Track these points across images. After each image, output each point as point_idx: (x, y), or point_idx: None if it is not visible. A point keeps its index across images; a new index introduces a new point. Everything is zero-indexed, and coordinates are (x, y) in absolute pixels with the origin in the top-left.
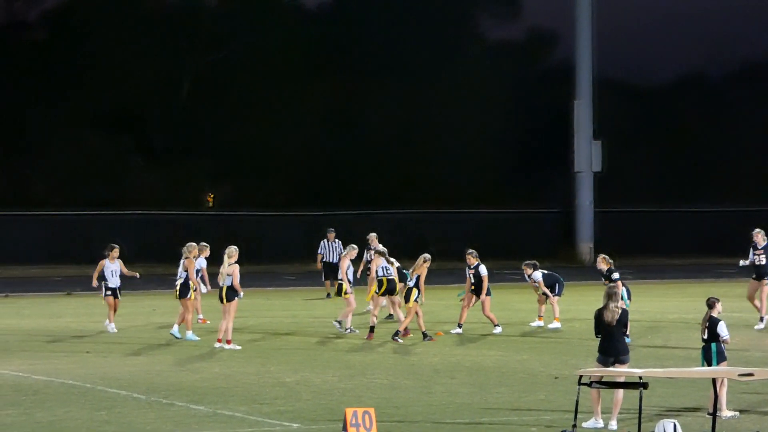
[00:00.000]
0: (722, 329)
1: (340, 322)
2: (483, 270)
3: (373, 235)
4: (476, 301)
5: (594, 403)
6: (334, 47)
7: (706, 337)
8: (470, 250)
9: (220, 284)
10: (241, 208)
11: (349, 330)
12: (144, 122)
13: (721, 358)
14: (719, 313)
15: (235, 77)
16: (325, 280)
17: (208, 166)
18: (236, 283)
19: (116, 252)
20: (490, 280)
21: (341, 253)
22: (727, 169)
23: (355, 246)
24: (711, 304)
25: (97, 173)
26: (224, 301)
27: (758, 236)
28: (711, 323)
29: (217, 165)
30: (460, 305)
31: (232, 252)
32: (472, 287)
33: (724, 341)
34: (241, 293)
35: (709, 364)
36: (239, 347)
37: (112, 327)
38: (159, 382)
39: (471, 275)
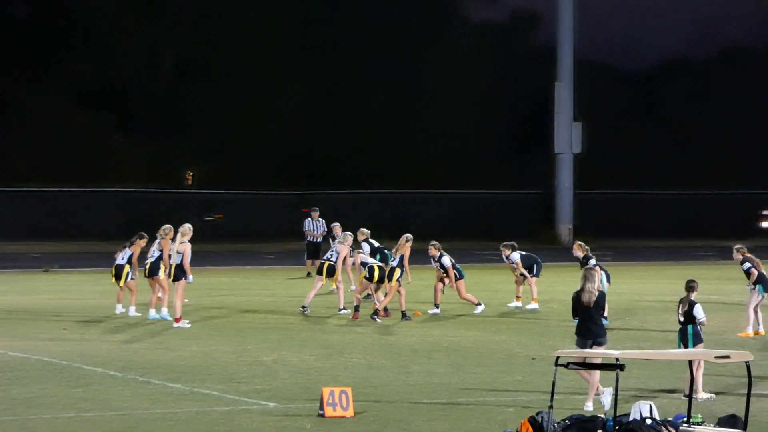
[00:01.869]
0: (698, 312)
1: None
2: (446, 261)
3: (336, 225)
4: (449, 284)
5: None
6: (319, 27)
7: (682, 319)
8: (433, 242)
9: (170, 262)
10: (222, 187)
11: (305, 309)
12: (126, 99)
13: (698, 340)
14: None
15: (219, 55)
16: (307, 259)
17: (190, 143)
18: (186, 263)
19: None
20: (467, 261)
21: (324, 231)
22: (707, 152)
23: (351, 234)
24: (691, 287)
25: (79, 150)
26: (171, 278)
27: None
28: (688, 306)
29: (198, 143)
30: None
31: (186, 230)
32: (444, 275)
33: (700, 324)
34: (191, 277)
35: (686, 347)
36: (189, 325)
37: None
38: (136, 360)
39: (437, 266)
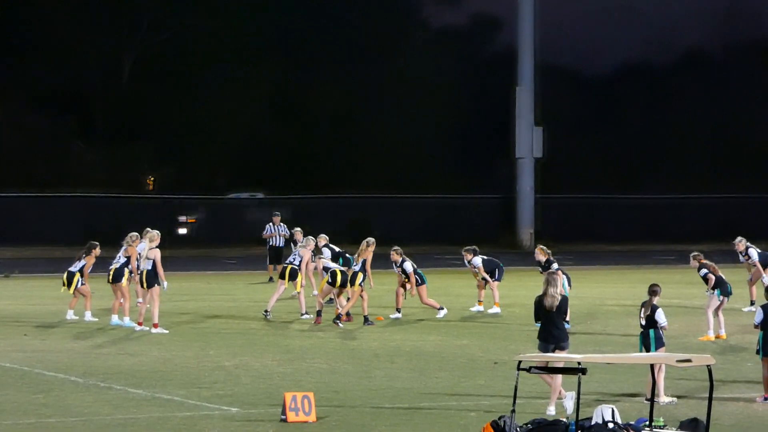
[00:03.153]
0: (660, 316)
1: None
2: (408, 267)
3: (298, 230)
4: (410, 289)
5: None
6: (279, 31)
7: (644, 323)
8: (395, 247)
9: (140, 268)
10: (183, 191)
11: (267, 314)
12: (86, 104)
13: (660, 344)
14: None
15: (179, 59)
16: (269, 264)
17: (150, 148)
18: (159, 269)
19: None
20: (428, 266)
21: (286, 235)
22: (668, 157)
23: (313, 238)
24: (654, 291)
25: (38, 155)
26: (144, 285)
27: None
28: (651, 310)
29: (159, 148)
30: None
31: (154, 236)
32: (405, 280)
33: (662, 328)
34: (165, 283)
35: (648, 350)
36: (166, 331)
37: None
38: (97, 366)
39: (399, 271)
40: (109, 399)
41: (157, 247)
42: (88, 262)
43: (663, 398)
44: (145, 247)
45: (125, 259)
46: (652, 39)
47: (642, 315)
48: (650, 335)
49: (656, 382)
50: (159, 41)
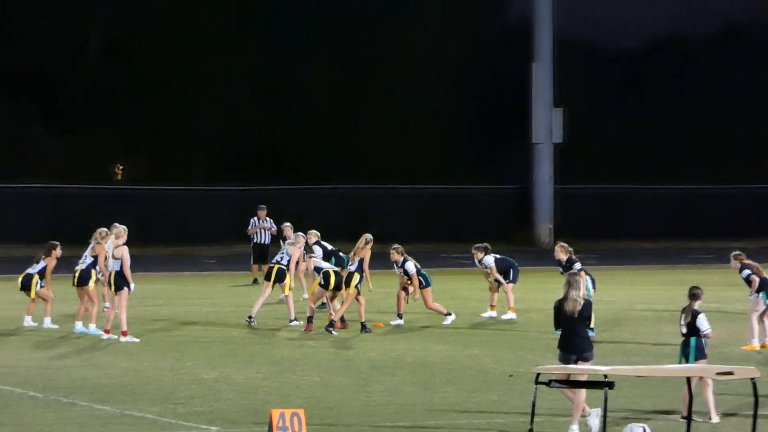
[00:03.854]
0: (702, 323)
1: (294, 318)
2: (410, 267)
3: (287, 225)
4: (413, 292)
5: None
6: (262, 4)
7: (685, 331)
8: (395, 245)
9: (108, 269)
10: (156, 183)
11: (251, 320)
12: (48, 86)
13: (700, 354)
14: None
15: (152, 36)
16: (253, 264)
17: (120, 134)
18: (126, 269)
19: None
20: (434, 266)
21: (273, 229)
22: (704, 142)
23: (303, 234)
24: (694, 294)
25: None
26: (112, 288)
27: None
28: (691, 316)
29: (129, 134)
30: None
31: (121, 232)
32: (408, 282)
33: (705, 336)
34: (132, 285)
35: (687, 361)
36: (137, 339)
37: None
38: (59, 379)
39: (400, 272)
40: (72, 417)
41: (124, 244)
42: (48, 264)
43: (714, 417)
44: (110, 245)
45: (92, 258)
46: (684, 8)
47: (683, 321)
48: (691, 344)
49: (705, 399)
50: (129, 16)
